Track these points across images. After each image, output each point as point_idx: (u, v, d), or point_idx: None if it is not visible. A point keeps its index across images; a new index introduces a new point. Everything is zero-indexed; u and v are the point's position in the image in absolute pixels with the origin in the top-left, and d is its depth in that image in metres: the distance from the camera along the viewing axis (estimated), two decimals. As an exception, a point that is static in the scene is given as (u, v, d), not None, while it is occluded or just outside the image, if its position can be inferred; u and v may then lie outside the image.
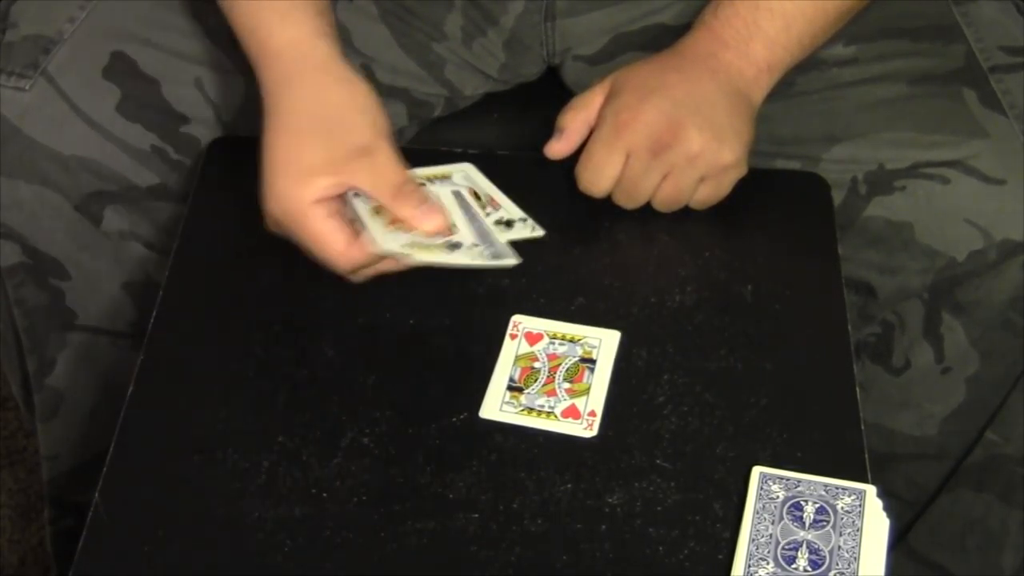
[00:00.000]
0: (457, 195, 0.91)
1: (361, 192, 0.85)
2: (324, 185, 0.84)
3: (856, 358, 0.86)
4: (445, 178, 0.93)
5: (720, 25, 0.92)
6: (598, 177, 0.90)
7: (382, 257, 0.85)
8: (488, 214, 0.90)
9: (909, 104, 0.97)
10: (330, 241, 0.84)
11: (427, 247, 0.85)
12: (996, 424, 1.00)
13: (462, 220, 0.89)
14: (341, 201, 0.86)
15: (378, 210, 0.86)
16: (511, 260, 0.86)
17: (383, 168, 0.86)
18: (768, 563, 0.73)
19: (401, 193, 0.85)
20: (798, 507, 0.75)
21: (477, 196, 0.92)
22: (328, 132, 0.86)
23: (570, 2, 1.03)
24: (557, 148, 0.93)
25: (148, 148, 0.98)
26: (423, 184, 0.90)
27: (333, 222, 0.84)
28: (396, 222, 0.85)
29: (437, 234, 0.86)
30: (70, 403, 1.09)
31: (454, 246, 0.86)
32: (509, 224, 0.90)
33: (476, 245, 0.86)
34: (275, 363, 0.84)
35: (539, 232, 0.90)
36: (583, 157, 0.91)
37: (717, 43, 0.92)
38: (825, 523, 0.74)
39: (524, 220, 0.90)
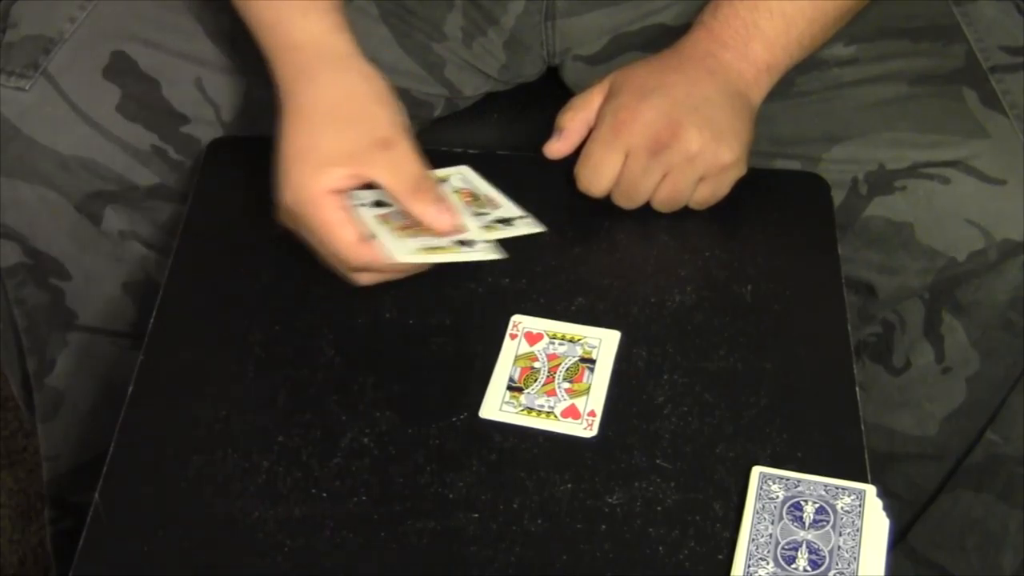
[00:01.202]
0: (458, 194, 0.91)
1: (379, 186, 0.85)
2: (340, 175, 0.84)
3: (856, 358, 0.86)
4: (443, 180, 0.93)
5: (719, 26, 0.92)
6: (597, 177, 0.90)
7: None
8: (488, 213, 0.90)
9: (909, 104, 0.97)
10: (340, 233, 0.84)
11: (440, 249, 0.85)
12: (996, 424, 1.00)
13: (469, 218, 0.89)
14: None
15: (384, 219, 0.86)
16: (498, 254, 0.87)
17: (402, 162, 0.86)
18: (768, 563, 0.73)
19: (420, 189, 0.85)
20: (798, 507, 0.75)
21: (476, 197, 0.92)
22: (347, 124, 0.86)
23: (570, 2, 1.03)
24: (556, 148, 0.93)
25: (148, 148, 0.98)
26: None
27: (346, 215, 0.84)
28: (405, 228, 0.85)
29: (450, 233, 0.86)
30: (70, 403, 1.09)
31: (465, 243, 0.86)
32: (509, 222, 0.90)
33: (486, 241, 0.87)
34: (275, 363, 0.84)
35: (539, 228, 0.90)
36: (582, 157, 0.91)
37: (716, 43, 0.92)
38: (825, 523, 0.74)
39: (523, 217, 0.90)
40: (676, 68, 0.92)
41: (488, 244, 0.86)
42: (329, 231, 0.84)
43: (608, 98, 0.91)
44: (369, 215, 0.86)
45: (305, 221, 0.85)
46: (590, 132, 0.91)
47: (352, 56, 0.89)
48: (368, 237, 0.85)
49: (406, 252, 0.84)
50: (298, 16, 0.89)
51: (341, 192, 0.85)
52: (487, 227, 0.89)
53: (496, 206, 0.91)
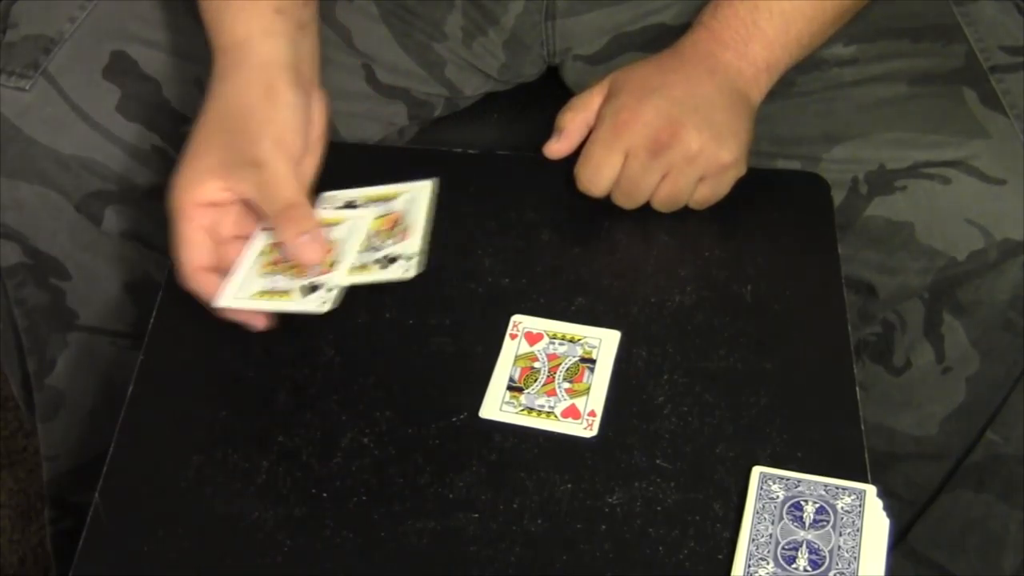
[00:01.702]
0: (379, 220, 0.90)
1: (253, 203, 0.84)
2: (213, 188, 0.84)
3: (856, 358, 0.86)
4: (389, 199, 0.91)
5: (719, 25, 0.92)
6: (597, 177, 0.90)
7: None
8: (382, 247, 0.87)
9: (909, 104, 0.97)
10: (188, 252, 0.84)
11: (275, 293, 0.84)
12: (996, 424, 1.00)
13: (349, 254, 0.86)
14: (229, 218, 0.86)
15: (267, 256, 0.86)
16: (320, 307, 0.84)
17: (270, 182, 0.84)
18: (768, 563, 0.73)
19: (285, 215, 0.84)
20: (798, 507, 0.75)
21: (397, 223, 0.89)
22: (232, 135, 0.86)
23: (570, 2, 1.03)
24: (556, 148, 0.93)
25: (148, 148, 0.98)
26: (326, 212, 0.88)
27: (203, 236, 0.84)
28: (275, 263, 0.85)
29: (315, 264, 0.84)
30: (70, 403, 1.09)
31: (314, 288, 0.84)
32: (392, 261, 0.86)
33: (332, 289, 0.84)
34: (275, 363, 0.84)
35: (410, 274, 0.85)
36: (582, 157, 0.91)
37: (716, 43, 0.92)
38: (825, 523, 0.74)
39: (411, 258, 0.85)
40: (676, 68, 0.91)
41: (328, 295, 0.83)
42: (180, 245, 0.84)
43: (608, 98, 0.91)
44: (254, 249, 0.86)
45: (171, 226, 0.85)
46: (590, 132, 0.91)
47: (270, 64, 0.87)
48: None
49: (230, 298, 0.83)
50: (229, 19, 0.89)
51: (216, 206, 0.85)
52: (358, 267, 0.86)
53: (402, 239, 0.87)
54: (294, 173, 0.85)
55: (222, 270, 0.86)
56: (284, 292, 0.83)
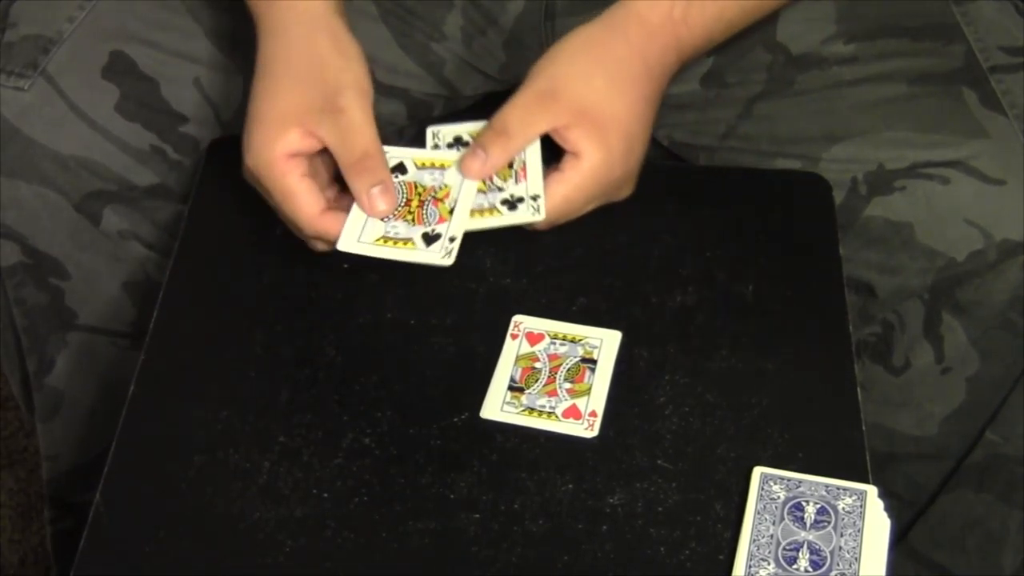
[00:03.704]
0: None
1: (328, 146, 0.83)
2: (295, 138, 0.84)
3: (856, 358, 0.86)
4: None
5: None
6: (562, 220, 0.90)
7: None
8: (501, 189, 0.87)
9: (909, 104, 0.97)
10: (302, 203, 0.84)
11: (396, 241, 0.83)
12: (996, 424, 1.00)
13: (466, 199, 0.85)
14: (320, 162, 0.85)
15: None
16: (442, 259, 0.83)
17: (349, 129, 0.84)
18: (769, 563, 0.73)
19: (362, 165, 0.84)
20: (799, 507, 0.75)
21: (510, 165, 0.87)
22: (304, 82, 0.85)
23: (570, 2, 1.03)
24: (477, 170, 0.88)
25: (147, 148, 0.98)
26: (400, 166, 0.86)
27: (308, 183, 0.84)
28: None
29: (378, 216, 0.84)
30: (70, 403, 1.09)
31: (431, 238, 0.83)
32: (513, 205, 0.86)
33: (450, 240, 0.82)
34: (275, 363, 0.84)
35: (539, 216, 0.86)
36: (563, 202, 0.88)
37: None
38: (826, 523, 0.74)
39: (536, 199, 0.86)
40: (630, 99, 0.89)
41: (451, 245, 0.81)
42: (289, 199, 0.84)
43: (572, 128, 0.87)
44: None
45: (266, 185, 0.85)
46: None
47: (326, 16, 0.88)
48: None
49: (352, 241, 0.81)
50: None
51: (302, 155, 0.84)
52: (480, 211, 0.85)
53: (522, 179, 0.87)
54: (370, 121, 0.85)
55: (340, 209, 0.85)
56: (405, 240, 0.81)
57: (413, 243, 0.80)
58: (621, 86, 0.88)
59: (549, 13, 1.03)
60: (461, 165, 0.88)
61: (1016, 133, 0.95)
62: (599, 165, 0.87)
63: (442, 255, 0.79)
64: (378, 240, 0.81)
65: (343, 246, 0.81)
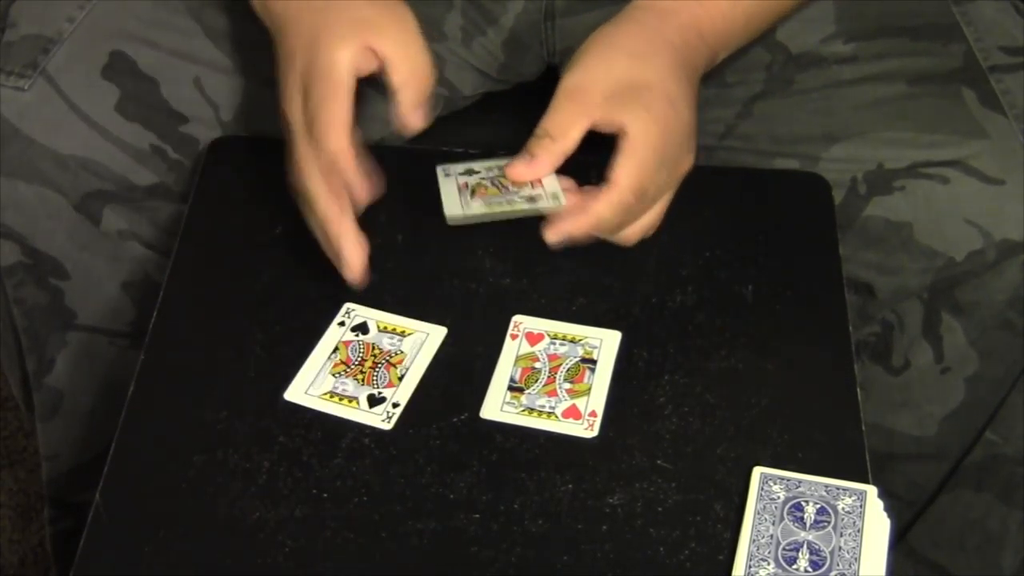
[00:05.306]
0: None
1: (383, 62, 0.84)
2: (354, 48, 0.83)
3: (856, 358, 0.86)
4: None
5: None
6: (636, 236, 0.89)
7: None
8: (523, 189, 0.87)
9: (908, 104, 0.97)
10: (337, 128, 0.82)
11: (500, 206, 0.85)
12: (996, 424, 1.00)
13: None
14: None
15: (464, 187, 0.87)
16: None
17: (411, 44, 0.85)
18: (769, 564, 0.73)
19: (416, 74, 0.85)
20: (799, 508, 0.75)
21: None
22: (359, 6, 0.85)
23: (569, 2, 1.03)
24: (521, 172, 0.87)
25: (147, 148, 0.98)
26: (363, 325, 0.87)
27: (349, 103, 0.83)
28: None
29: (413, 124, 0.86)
30: (70, 403, 1.09)
31: (531, 199, 0.85)
32: (534, 200, 0.86)
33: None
34: (276, 363, 0.84)
35: (560, 203, 0.85)
36: (635, 173, 0.85)
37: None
38: (826, 524, 0.74)
39: (555, 197, 0.86)
40: (655, 65, 0.88)
41: (394, 411, 0.81)
42: (331, 119, 0.82)
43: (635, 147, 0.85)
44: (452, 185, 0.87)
45: (316, 89, 0.83)
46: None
47: None
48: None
49: (300, 393, 0.82)
50: None
51: (356, 73, 0.83)
52: (500, 205, 0.87)
53: (536, 186, 0.87)
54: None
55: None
56: (351, 399, 0.82)
57: (357, 403, 0.81)
58: (643, 58, 0.87)
59: (549, 13, 1.04)
60: (507, 170, 0.87)
61: (1015, 133, 0.95)
62: (648, 127, 0.84)
63: (382, 419, 0.80)
64: (324, 395, 0.82)
65: (289, 395, 0.82)
